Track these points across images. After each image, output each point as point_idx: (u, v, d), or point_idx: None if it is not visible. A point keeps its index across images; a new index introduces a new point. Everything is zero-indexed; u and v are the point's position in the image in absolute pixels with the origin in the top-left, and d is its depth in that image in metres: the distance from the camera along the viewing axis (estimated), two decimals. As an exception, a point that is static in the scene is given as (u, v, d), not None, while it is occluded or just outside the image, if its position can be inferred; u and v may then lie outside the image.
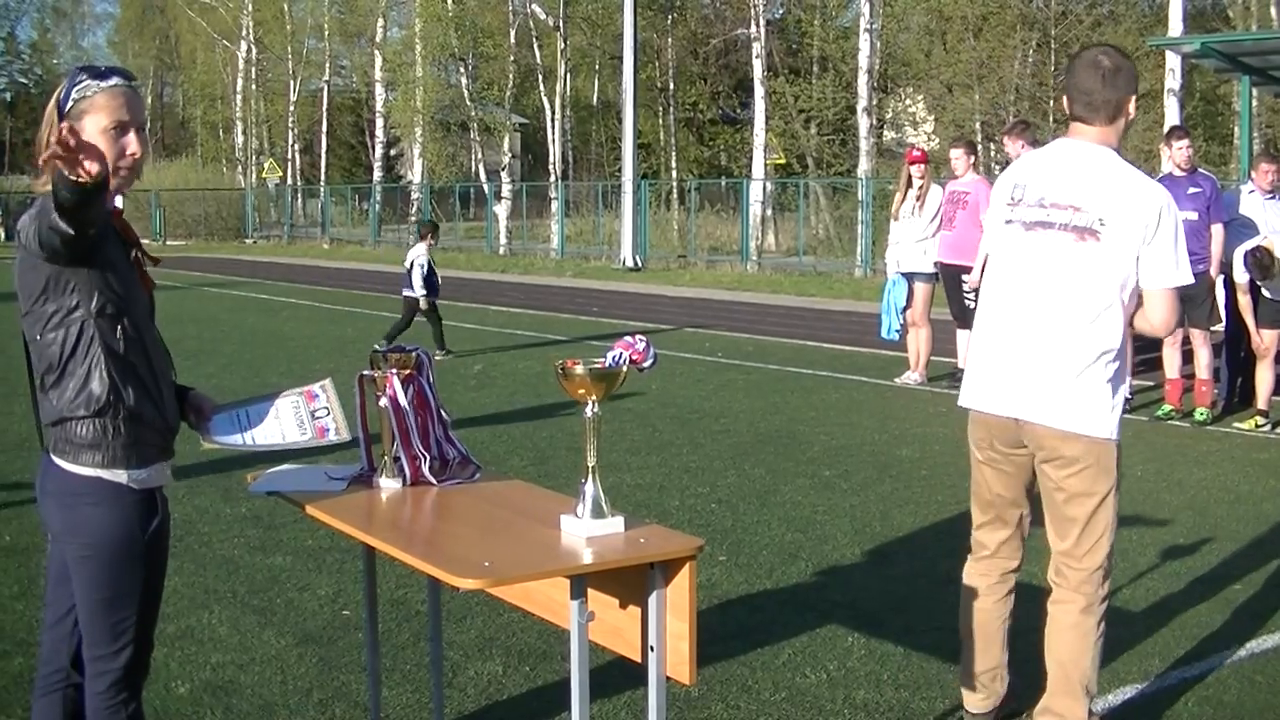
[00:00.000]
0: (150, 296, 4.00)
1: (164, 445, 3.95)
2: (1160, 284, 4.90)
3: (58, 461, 3.84)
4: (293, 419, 4.19)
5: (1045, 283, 4.96)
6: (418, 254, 18.30)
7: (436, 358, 17.17)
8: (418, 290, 18.09)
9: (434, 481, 4.43)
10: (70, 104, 3.81)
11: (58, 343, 3.76)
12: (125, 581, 3.86)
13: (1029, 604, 5.55)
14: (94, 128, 3.79)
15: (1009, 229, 5.12)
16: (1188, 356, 12.75)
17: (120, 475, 3.82)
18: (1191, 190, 12.38)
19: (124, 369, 3.78)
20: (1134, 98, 5.01)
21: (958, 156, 14.75)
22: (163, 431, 3.93)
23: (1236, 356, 13.25)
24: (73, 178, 3.30)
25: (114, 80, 3.85)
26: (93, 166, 3.33)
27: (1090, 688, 5.11)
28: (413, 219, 51.44)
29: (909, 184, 14.95)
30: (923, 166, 14.83)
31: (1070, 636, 5.08)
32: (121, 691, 3.93)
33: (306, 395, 4.25)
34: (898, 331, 15.01)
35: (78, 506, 3.83)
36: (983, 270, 5.66)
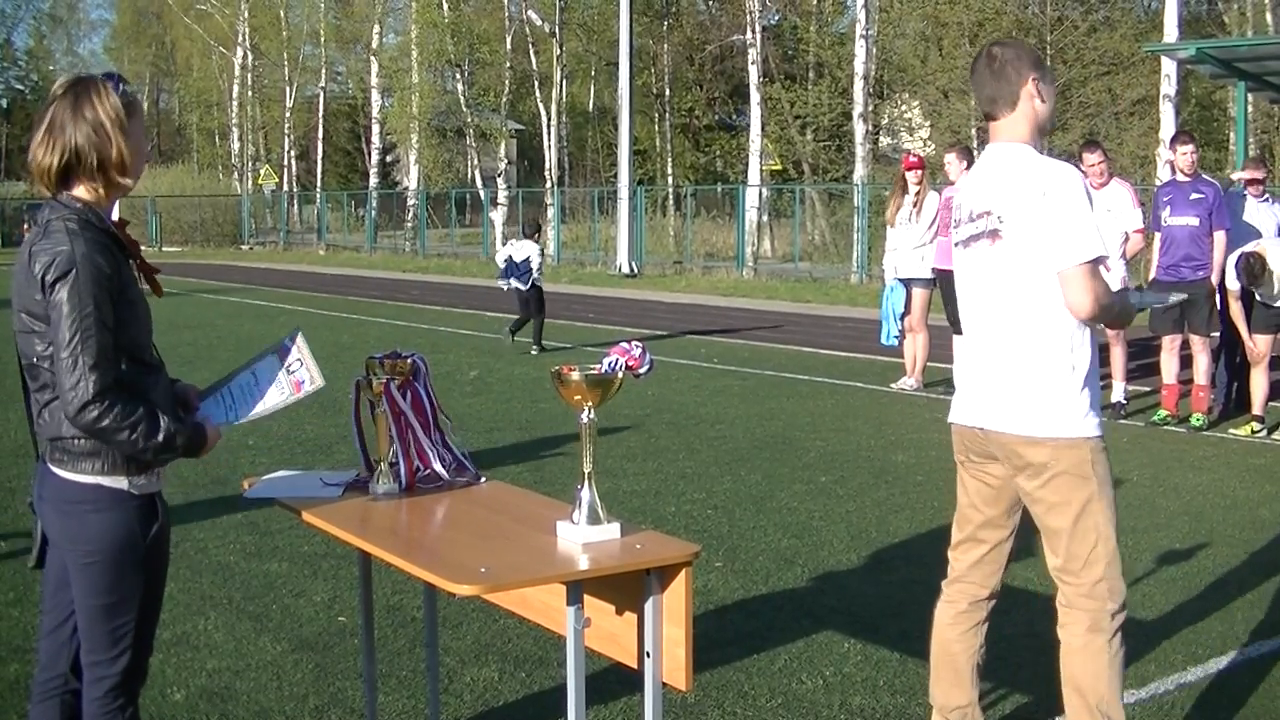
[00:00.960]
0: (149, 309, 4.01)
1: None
2: (1063, 263, 4.58)
3: (57, 470, 3.84)
4: (270, 381, 4.17)
5: (982, 294, 4.87)
6: (532, 250, 19.42)
7: (532, 352, 18.61)
8: (524, 282, 19.25)
9: (430, 487, 4.43)
10: (122, 113, 3.83)
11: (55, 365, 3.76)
12: (126, 587, 3.87)
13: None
14: (139, 132, 3.87)
15: (957, 250, 5.04)
16: (1185, 362, 12.76)
17: (121, 481, 3.82)
18: (1194, 196, 12.40)
19: (134, 390, 3.76)
20: (1034, 78, 4.78)
21: (951, 162, 14.76)
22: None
23: (1232, 362, 13.28)
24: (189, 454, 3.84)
25: (127, 87, 3.92)
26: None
27: (1111, 713, 4.73)
28: (409, 224, 51.52)
29: (903, 190, 14.95)
30: (919, 172, 14.83)
31: (1080, 659, 4.76)
32: (119, 697, 3.93)
33: (279, 354, 4.22)
34: (896, 337, 15.02)
35: (78, 513, 3.83)
36: None
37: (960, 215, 4.97)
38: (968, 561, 5.15)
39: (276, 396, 4.13)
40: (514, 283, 19.28)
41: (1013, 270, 4.72)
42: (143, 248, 4.16)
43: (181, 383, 4.19)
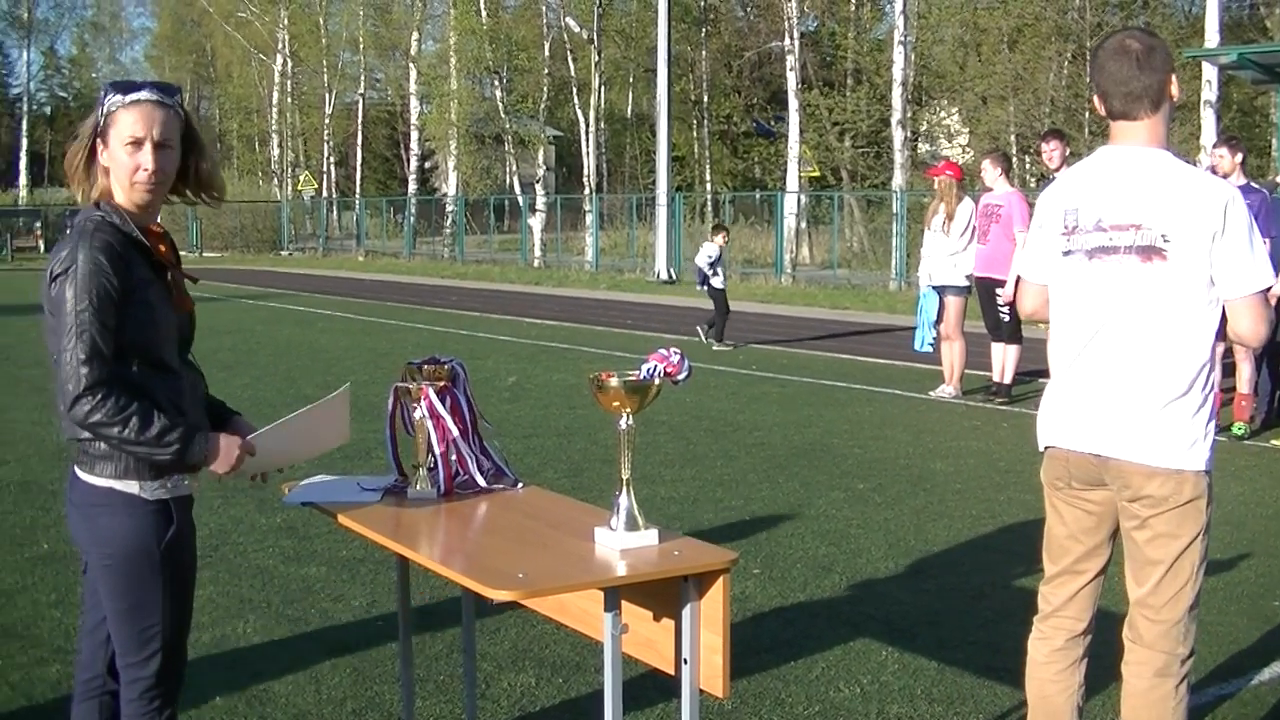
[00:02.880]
0: (189, 315, 4.02)
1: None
2: (1240, 290, 4.31)
3: (78, 472, 3.89)
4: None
5: (1118, 313, 4.42)
6: (710, 250, 20.75)
7: (715, 348, 19.52)
8: (713, 280, 20.61)
9: (468, 493, 4.44)
10: (103, 121, 3.87)
11: None
12: (145, 590, 3.88)
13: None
14: (116, 143, 3.85)
15: (1070, 260, 4.56)
16: (1228, 370, 12.67)
17: (132, 486, 3.83)
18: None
19: (136, 390, 3.78)
20: (1173, 77, 4.46)
21: (987, 168, 14.70)
22: None
23: (1276, 370, 13.18)
24: (209, 471, 3.93)
25: (136, 95, 3.88)
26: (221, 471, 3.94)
27: None
28: (447, 230, 51.64)
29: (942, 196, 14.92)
30: (946, 178, 14.78)
31: (1144, 703, 4.50)
32: (155, 699, 3.94)
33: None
34: (930, 344, 14.98)
35: (96, 516, 3.87)
36: (1015, 288, 5.13)
37: (1077, 221, 4.54)
38: (1064, 595, 4.74)
39: (297, 431, 4.18)
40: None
41: (1172, 294, 4.35)
42: (182, 253, 4.18)
43: (240, 420, 4.23)
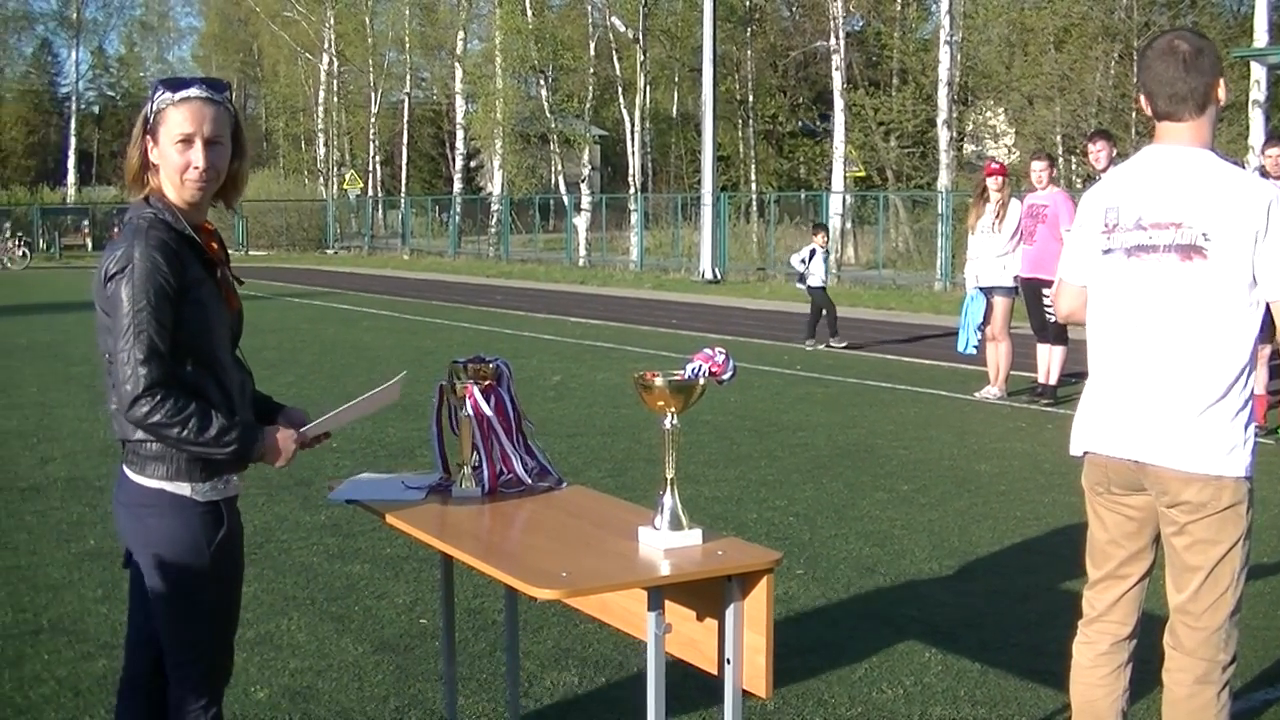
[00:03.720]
0: (238, 313, 4.04)
1: (228, 461, 3.92)
2: (1275, 294, 4.27)
3: (128, 472, 3.89)
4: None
5: (1155, 313, 4.37)
6: (805, 250, 21.23)
7: (820, 348, 19.81)
8: (809, 279, 21.02)
9: (512, 491, 4.44)
10: (153, 118, 3.88)
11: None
12: (194, 592, 3.89)
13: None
14: (166, 139, 3.85)
15: (1109, 259, 4.50)
16: (1275, 372, 12.59)
17: (184, 488, 3.83)
18: None
19: (190, 389, 3.79)
20: (1221, 81, 4.40)
21: (1042, 169, 14.63)
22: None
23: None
24: (269, 461, 3.93)
25: (186, 92, 3.87)
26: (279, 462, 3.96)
27: None
28: (492, 229, 51.76)
29: (984, 197, 14.86)
30: (1000, 179, 14.73)
31: (1184, 710, 4.45)
32: (201, 697, 3.95)
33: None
34: (975, 347, 14.94)
35: (145, 517, 3.87)
36: (1057, 290, 5.03)
37: (1118, 219, 4.49)
38: (1108, 600, 4.70)
39: (353, 409, 4.16)
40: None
41: (1212, 295, 4.29)
42: (229, 251, 4.19)
43: (292, 411, 4.25)
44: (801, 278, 21.24)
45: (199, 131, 3.84)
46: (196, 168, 3.85)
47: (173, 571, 3.87)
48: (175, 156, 3.84)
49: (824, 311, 20.79)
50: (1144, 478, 4.44)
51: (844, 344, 20.43)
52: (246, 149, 4.09)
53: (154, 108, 3.87)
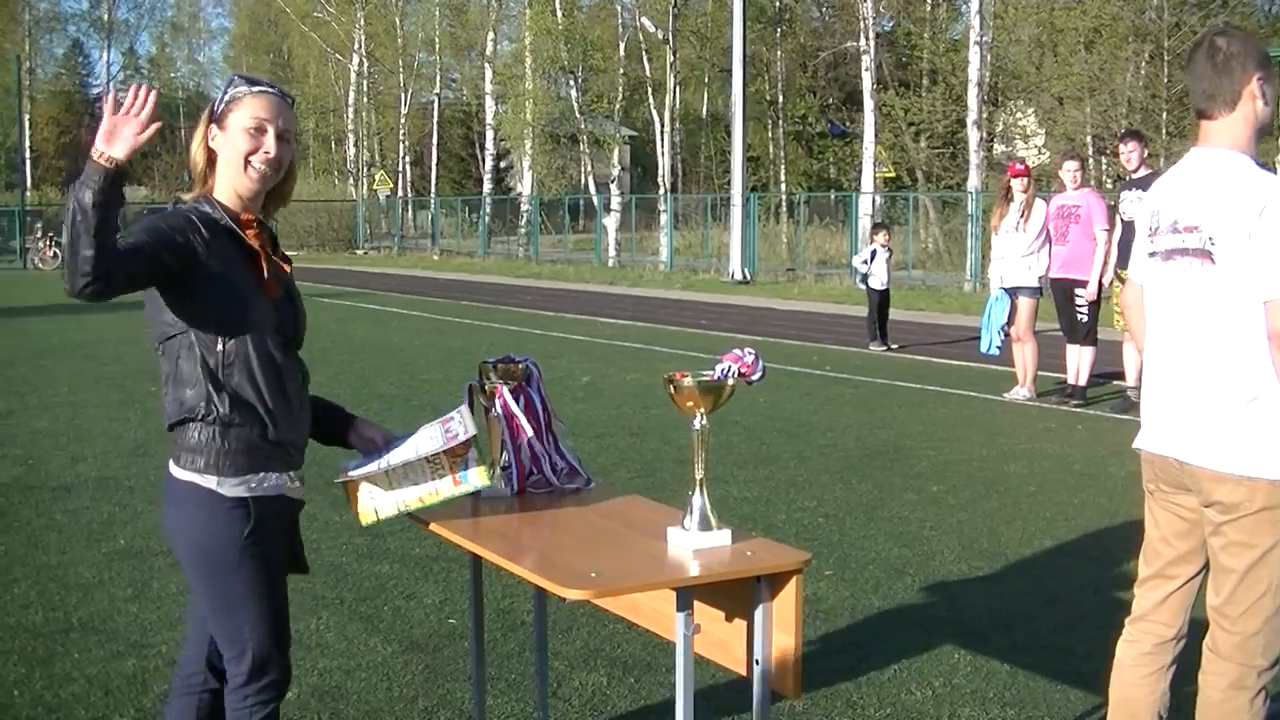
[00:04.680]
0: (282, 304, 4.04)
1: (270, 457, 3.92)
2: (1264, 294, 4.20)
3: (170, 465, 3.91)
4: (426, 437, 4.20)
5: (1184, 316, 4.41)
6: (867, 251, 21.48)
7: (884, 350, 20.14)
8: (870, 280, 21.05)
9: (541, 492, 4.45)
10: (221, 106, 3.94)
11: (166, 355, 3.87)
12: (227, 587, 3.89)
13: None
14: (237, 125, 3.91)
15: (1151, 262, 4.57)
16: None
17: (210, 481, 3.83)
18: None
19: (221, 379, 3.81)
20: (1258, 76, 4.35)
21: (1075, 169, 14.58)
22: (268, 444, 3.91)
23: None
24: (96, 153, 3.50)
25: (265, 87, 3.97)
26: (116, 148, 3.52)
27: None
28: (522, 230, 51.84)
29: (1008, 198, 14.83)
30: (1025, 180, 14.69)
31: (1216, 716, 4.41)
32: (248, 697, 3.91)
33: (443, 421, 4.26)
34: (998, 348, 14.92)
35: (178, 510, 3.90)
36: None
37: (1159, 223, 4.54)
38: (1154, 599, 4.68)
39: (429, 446, 4.14)
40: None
41: (1223, 297, 4.31)
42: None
43: (367, 423, 4.31)
44: (864, 278, 21.20)
45: (273, 121, 3.93)
46: (266, 153, 3.92)
47: (202, 566, 3.89)
48: (244, 142, 3.90)
49: (871, 309, 20.94)
50: (1185, 476, 4.44)
51: (883, 348, 20.43)
52: (295, 172, 4.17)
53: (226, 97, 3.94)
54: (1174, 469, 4.48)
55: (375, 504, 4.13)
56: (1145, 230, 4.63)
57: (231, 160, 3.92)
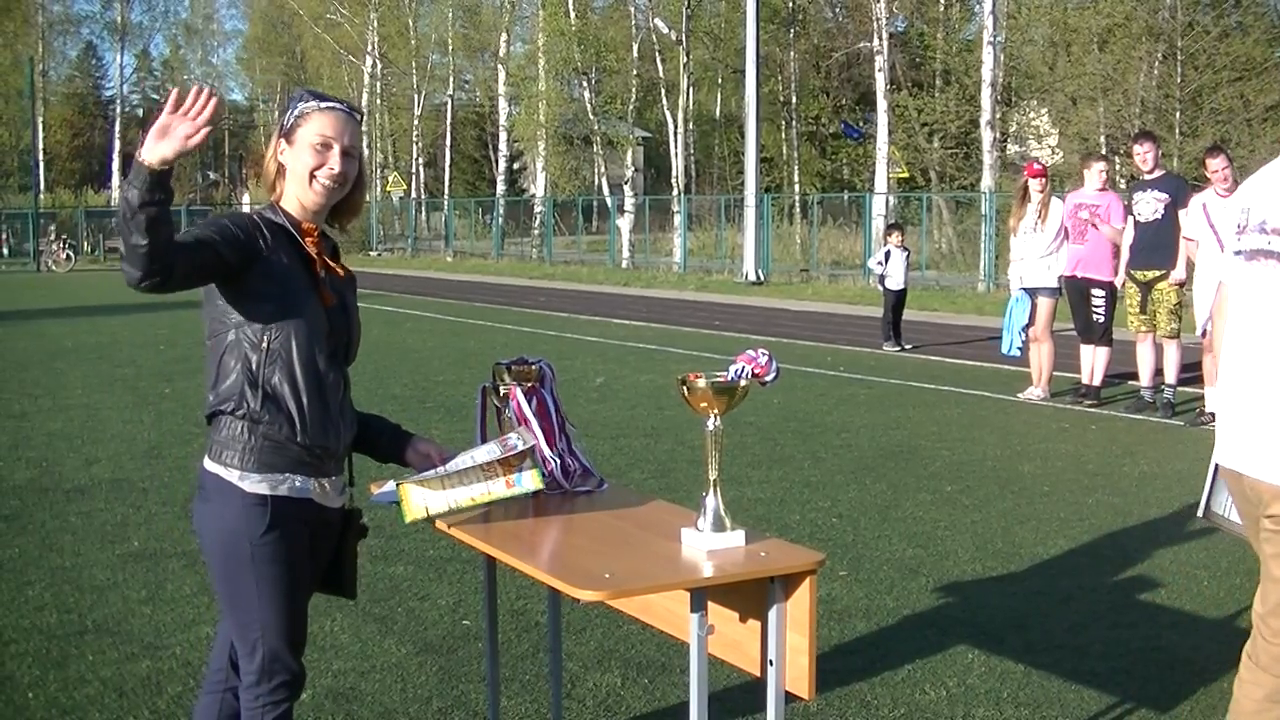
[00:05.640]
0: (346, 316, 4.10)
1: (299, 460, 3.93)
2: None
3: (204, 458, 3.95)
4: (485, 451, 4.21)
5: (1260, 320, 4.21)
6: (882, 252, 21.53)
7: (893, 350, 20.04)
8: (886, 281, 21.05)
9: (555, 493, 4.45)
10: (290, 121, 4.00)
11: (213, 348, 3.91)
12: (238, 583, 3.90)
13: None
14: (304, 140, 3.97)
15: (1235, 260, 4.37)
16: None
17: (233, 475, 3.85)
18: None
19: (259, 376, 3.84)
20: None
21: (1102, 170, 14.55)
22: (297, 446, 3.91)
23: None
24: (145, 157, 3.47)
25: (332, 104, 4.02)
26: (164, 146, 3.48)
27: None
28: (536, 231, 51.86)
29: (1025, 198, 14.82)
30: (1043, 180, 14.68)
31: None
32: (259, 695, 3.91)
33: (502, 439, 4.27)
34: (1020, 349, 14.91)
35: (204, 502, 3.93)
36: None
37: (1248, 220, 4.33)
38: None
39: (485, 455, 4.16)
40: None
41: None
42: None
43: (425, 440, 4.36)
44: (881, 279, 21.25)
45: (339, 138, 3.98)
46: (331, 169, 3.96)
47: (216, 559, 3.91)
48: (310, 157, 3.95)
49: (886, 309, 20.96)
50: (1245, 488, 4.29)
51: (896, 348, 20.43)
52: (365, 182, 4.20)
53: (295, 111, 3.99)
54: (1236, 480, 4.34)
55: (426, 501, 4.13)
56: (1233, 228, 4.43)
57: (298, 174, 3.97)
